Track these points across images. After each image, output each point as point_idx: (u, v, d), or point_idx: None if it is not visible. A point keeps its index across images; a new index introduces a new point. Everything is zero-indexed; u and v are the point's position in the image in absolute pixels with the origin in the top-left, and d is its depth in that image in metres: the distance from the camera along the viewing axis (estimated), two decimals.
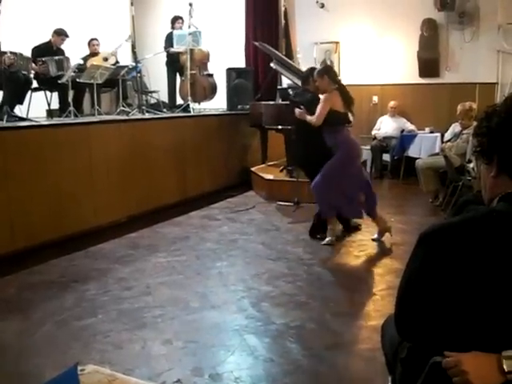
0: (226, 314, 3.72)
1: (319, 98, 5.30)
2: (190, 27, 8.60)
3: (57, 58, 7.14)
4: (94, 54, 8.45)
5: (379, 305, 3.83)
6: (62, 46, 7.64)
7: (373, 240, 5.41)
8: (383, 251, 5.14)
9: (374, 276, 4.48)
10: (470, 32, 9.09)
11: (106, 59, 8.13)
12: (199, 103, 9.11)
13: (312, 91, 5.52)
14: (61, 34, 7.50)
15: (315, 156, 5.44)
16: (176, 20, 9.08)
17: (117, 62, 8.32)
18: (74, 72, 7.02)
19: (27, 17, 7.99)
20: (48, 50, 7.30)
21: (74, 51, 7.88)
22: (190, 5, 8.42)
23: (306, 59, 9.84)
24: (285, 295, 4.04)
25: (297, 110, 5.45)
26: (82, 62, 7.92)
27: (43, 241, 5.11)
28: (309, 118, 5.30)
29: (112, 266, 4.75)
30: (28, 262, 4.72)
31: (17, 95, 6.43)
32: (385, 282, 4.28)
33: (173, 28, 9.05)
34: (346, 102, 5.31)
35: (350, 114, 5.39)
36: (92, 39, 8.52)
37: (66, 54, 7.53)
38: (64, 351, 3.15)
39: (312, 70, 5.68)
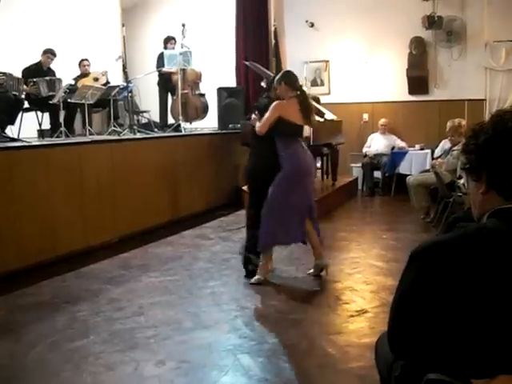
0: (219, 333, 3.70)
1: None
2: (182, 47, 8.67)
3: (48, 78, 7.15)
4: (84, 74, 8.48)
5: (373, 322, 3.82)
6: (53, 67, 7.66)
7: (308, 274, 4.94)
8: (376, 269, 5.14)
9: (367, 293, 4.46)
10: (458, 50, 9.23)
11: (96, 79, 8.15)
12: (191, 123, 9.14)
13: (273, 98, 4.93)
14: (47, 53, 7.51)
15: (261, 170, 4.82)
16: (169, 40, 9.14)
17: (107, 82, 8.34)
18: (65, 92, 7.03)
19: (18, 38, 8.02)
20: (38, 71, 7.31)
21: (66, 72, 7.90)
22: (183, 25, 8.51)
23: None
24: (278, 314, 4.02)
25: (252, 116, 4.98)
26: (73, 82, 7.95)
27: (34, 262, 5.07)
28: (257, 124, 4.79)
29: (104, 286, 4.72)
30: (19, 283, 4.68)
31: (7, 115, 6.42)
32: (378, 298, 4.27)
33: (165, 48, 9.11)
34: (303, 111, 4.74)
35: (306, 127, 4.87)
36: (83, 60, 8.55)
37: (58, 75, 7.55)
38: (56, 373, 3.11)
39: (275, 76, 5.17)
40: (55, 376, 3.08)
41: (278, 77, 4.88)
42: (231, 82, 9.81)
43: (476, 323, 1.34)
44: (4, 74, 6.32)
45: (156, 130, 8.63)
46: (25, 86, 6.87)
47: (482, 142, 1.48)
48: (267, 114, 4.71)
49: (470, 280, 1.35)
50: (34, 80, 6.99)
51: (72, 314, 4.07)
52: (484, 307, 1.33)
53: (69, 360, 3.29)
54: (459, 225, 1.58)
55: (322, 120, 7.85)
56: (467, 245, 1.39)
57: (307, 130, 4.91)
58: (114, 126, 7.86)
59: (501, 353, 1.33)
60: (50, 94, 6.99)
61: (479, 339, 1.34)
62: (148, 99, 9.59)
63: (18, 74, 6.92)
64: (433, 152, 8.20)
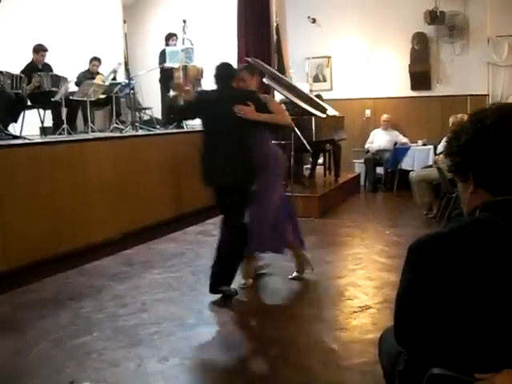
0: (221, 329, 3.70)
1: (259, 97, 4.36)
2: (183, 43, 8.66)
3: (53, 74, 7.14)
4: (92, 72, 8.49)
5: (376, 318, 3.82)
6: (54, 64, 7.63)
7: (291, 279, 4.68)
8: (379, 264, 5.13)
9: (370, 289, 4.46)
10: (460, 45, 9.20)
11: (103, 82, 8.14)
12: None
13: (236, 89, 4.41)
14: (39, 50, 7.41)
15: (247, 173, 4.27)
16: (170, 37, 9.14)
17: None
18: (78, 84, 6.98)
19: (19, 36, 8.00)
20: (33, 69, 7.23)
21: (68, 69, 7.89)
22: (184, 21, 8.50)
23: (298, 74, 9.92)
24: (281, 310, 4.03)
25: (245, 108, 4.14)
26: (75, 80, 7.95)
27: (37, 259, 5.07)
28: (278, 117, 4.27)
29: (107, 283, 4.73)
30: (22, 280, 4.69)
31: (9, 113, 6.40)
32: (381, 294, 4.27)
33: (167, 45, 9.10)
34: None
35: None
36: (95, 58, 8.54)
37: (59, 72, 7.51)
38: (59, 370, 3.12)
39: (230, 65, 4.56)
40: (59, 372, 3.09)
41: (247, 67, 4.68)
42: None
43: (477, 316, 1.34)
44: (1, 73, 6.29)
45: (158, 126, 8.62)
46: (27, 86, 6.83)
47: (464, 143, 1.50)
48: (279, 106, 4.55)
49: (468, 272, 1.35)
50: (39, 74, 6.97)
51: (75, 310, 4.08)
52: (484, 299, 1.34)
53: (72, 356, 3.29)
54: (455, 218, 1.59)
55: (324, 116, 7.85)
56: (463, 237, 1.40)
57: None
58: (116, 123, 7.86)
59: (504, 347, 1.33)
60: (53, 89, 6.97)
61: (481, 332, 1.34)
62: (150, 96, 9.58)
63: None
64: (435, 148, 8.18)
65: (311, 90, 9.45)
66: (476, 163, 1.48)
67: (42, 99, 7.11)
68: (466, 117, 6.59)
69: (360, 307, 4.04)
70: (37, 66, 7.40)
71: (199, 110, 4.40)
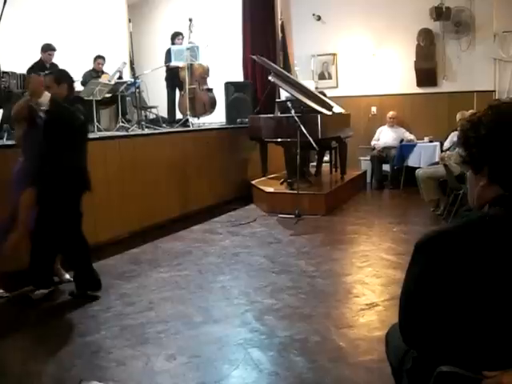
0: (229, 327, 3.70)
1: None
2: (189, 42, 8.69)
3: None
4: (97, 71, 8.51)
5: (383, 315, 3.81)
6: (60, 63, 7.65)
7: None
8: (386, 262, 5.12)
9: (377, 286, 4.45)
10: (466, 41, 9.17)
11: (109, 81, 8.17)
12: (198, 118, 9.14)
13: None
14: (47, 49, 7.48)
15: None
16: (176, 36, 9.15)
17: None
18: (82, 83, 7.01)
19: (24, 35, 8.03)
20: (41, 69, 7.26)
21: (73, 68, 7.89)
22: (190, 20, 8.51)
23: (303, 72, 9.91)
24: (288, 308, 4.02)
25: None
26: (81, 79, 7.97)
27: None
28: None
29: (114, 281, 4.73)
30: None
31: None
32: (388, 292, 4.26)
33: (173, 44, 9.11)
34: None
35: None
36: (99, 56, 8.56)
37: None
38: (67, 368, 3.13)
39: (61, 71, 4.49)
40: (66, 371, 3.10)
41: (56, 75, 4.33)
42: (238, 77, 9.79)
43: (485, 313, 1.33)
44: (6, 73, 6.31)
45: (164, 125, 8.63)
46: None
47: (483, 136, 1.46)
48: None
49: (475, 268, 1.34)
50: (46, 73, 6.99)
51: (83, 309, 4.09)
52: (492, 296, 1.33)
53: (80, 355, 3.30)
54: (463, 214, 1.57)
55: (329, 113, 7.84)
56: (471, 233, 1.39)
57: None
58: (122, 122, 7.87)
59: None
60: None
61: (489, 330, 1.33)
62: (156, 95, 9.59)
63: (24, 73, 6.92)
64: (442, 144, 8.15)
65: (317, 88, 9.44)
66: (493, 158, 1.45)
67: None
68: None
69: (367, 305, 4.04)
70: (44, 65, 7.44)
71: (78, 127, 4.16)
